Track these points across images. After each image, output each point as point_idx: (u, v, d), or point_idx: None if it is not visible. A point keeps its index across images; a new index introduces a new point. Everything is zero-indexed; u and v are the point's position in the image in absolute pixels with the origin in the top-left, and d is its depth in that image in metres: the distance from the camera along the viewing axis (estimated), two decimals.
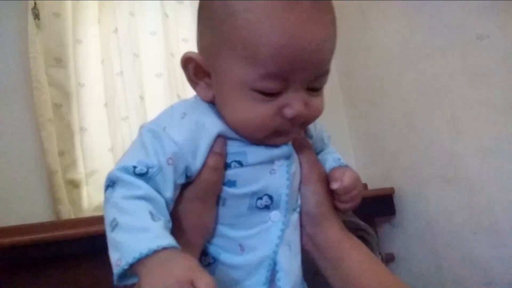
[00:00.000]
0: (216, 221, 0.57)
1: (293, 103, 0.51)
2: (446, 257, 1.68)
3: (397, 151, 1.92)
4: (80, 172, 1.65)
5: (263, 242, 0.57)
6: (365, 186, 2.10)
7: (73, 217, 1.56)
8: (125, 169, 0.50)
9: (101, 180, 1.78)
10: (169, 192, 0.51)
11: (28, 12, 1.62)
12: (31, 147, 1.58)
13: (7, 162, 1.53)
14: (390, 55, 1.91)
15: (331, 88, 2.26)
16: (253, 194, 0.56)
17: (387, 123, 1.96)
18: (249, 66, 0.48)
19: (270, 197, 0.56)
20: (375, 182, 2.05)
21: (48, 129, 1.58)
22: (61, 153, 1.62)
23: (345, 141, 2.23)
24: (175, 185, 0.53)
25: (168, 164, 0.51)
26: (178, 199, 0.54)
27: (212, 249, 0.57)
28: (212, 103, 0.58)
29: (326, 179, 0.63)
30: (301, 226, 0.62)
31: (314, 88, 0.55)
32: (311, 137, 0.67)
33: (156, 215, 0.47)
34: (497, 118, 1.47)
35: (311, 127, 0.67)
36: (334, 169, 0.65)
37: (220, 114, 0.55)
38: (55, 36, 1.69)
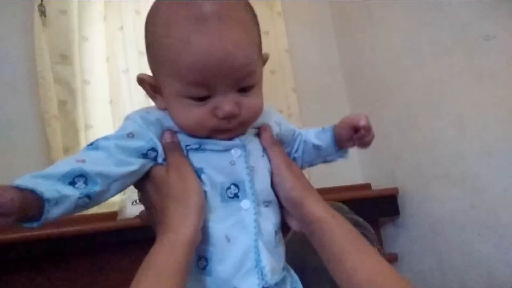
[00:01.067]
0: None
1: (222, 104, 0.59)
2: (450, 257, 1.68)
3: (402, 151, 1.91)
4: None
5: (243, 231, 0.62)
6: (369, 186, 2.10)
7: (77, 213, 1.56)
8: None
9: None
10: (122, 156, 0.60)
11: (34, 9, 1.63)
12: (36, 143, 1.59)
13: (12, 158, 1.54)
14: (395, 55, 1.91)
15: (336, 88, 2.28)
16: (221, 183, 0.62)
17: (392, 123, 1.96)
18: (175, 78, 0.59)
19: (236, 186, 0.63)
20: (379, 182, 2.04)
21: (53, 125, 1.59)
22: (66, 150, 1.62)
23: None
24: (136, 155, 0.61)
25: (128, 137, 0.61)
26: (165, 176, 0.62)
27: (204, 251, 0.61)
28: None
29: (296, 166, 0.72)
30: (288, 213, 0.68)
31: (243, 88, 0.61)
32: (277, 135, 0.73)
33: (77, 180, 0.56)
34: (503, 118, 1.46)
35: (275, 127, 0.73)
36: (335, 125, 0.76)
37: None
38: (61, 33, 1.69)
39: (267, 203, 0.66)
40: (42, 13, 1.64)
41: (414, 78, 1.82)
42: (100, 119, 1.72)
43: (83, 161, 0.57)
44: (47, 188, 0.53)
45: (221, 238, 0.61)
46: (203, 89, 0.59)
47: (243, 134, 0.67)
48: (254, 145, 0.68)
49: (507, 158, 1.46)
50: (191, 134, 0.64)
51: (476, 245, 1.57)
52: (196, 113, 0.60)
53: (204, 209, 0.61)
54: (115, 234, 1.37)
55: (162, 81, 0.62)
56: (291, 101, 2.10)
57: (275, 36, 2.13)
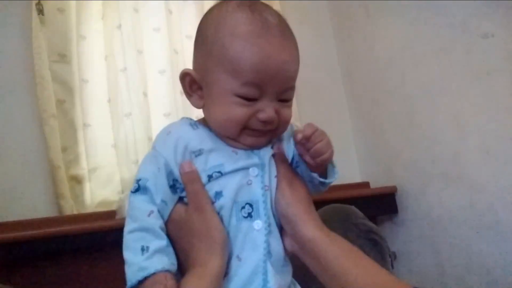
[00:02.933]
0: None
1: (266, 109, 0.65)
2: (448, 255, 1.68)
3: (400, 149, 1.91)
4: (83, 168, 1.65)
5: (253, 252, 0.64)
6: (367, 184, 2.10)
7: (75, 212, 1.56)
8: (131, 195, 0.66)
9: (104, 176, 1.80)
10: (160, 195, 0.64)
11: (32, 8, 1.63)
12: (34, 142, 1.59)
13: (10, 157, 1.54)
14: (393, 54, 1.91)
15: (334, 86, 2.28)
16: (237, 203, 0.66)
17: (390, 122, 1.96)
18: (233, 77, 0.63)
19: (251, 205, 0.66)
20: (377, 180, 2.05)
21: (51, 124, 1.59)
22: (64, 149, 1.62)
23: (347, 139, 2.23)
24: (169, 190, 0.66)
25: (159, 171, 0.65)
26: (185, 216, 0.66)
27: None
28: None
29: (300, 185, 0.72)
30: (282, 229, 0.70)
31: (283, 99, 0.68)
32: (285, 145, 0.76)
33: (145, 246, 0.60)
34: (501, 117, 1.46)
35: (286, 141, 0.75)
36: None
37: (197, 131, 0.70)
38: (59, 32, 1.69)
39: (276, 225, 0.68)
40: (40, 11, 1.64)
41: (412, 77, 1.82)
42: (98, 118, 1.72)
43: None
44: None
45: (233, 258, 0.64)
46: (256, 90, 0.64)
47: (266, 144, 0.71)
48: (272, 164, 0.71)
49: (506, 156, 1.46)
50: (220, 133, 0.69)
51: (475, 243, 1.57)
52: (240, 112, 0.65)
53: (227, 244, 0.64)
54: (114, 233, 1.37)
55: (214, 77, 0.66)
56: None
57: None
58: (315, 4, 2.33)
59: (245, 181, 0.67)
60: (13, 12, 1.65)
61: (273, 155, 0.72)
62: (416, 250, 1.84)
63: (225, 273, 0.63)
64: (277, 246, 0.67)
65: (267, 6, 0.70)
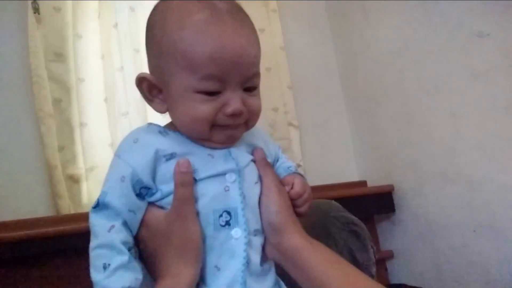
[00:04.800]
0: None
1: (231, 101, 0.60)
2: (445, 254, 1.68)
3: (397, 148, 1.92)
4: (80, 167, 1.65)
5: (231, 261, 0.62)
6: (364, 183, 2.10)
7: (72, 212, 1.56)
8: (92, 210, 0.63)
9: (101, 175, 1.78)
10: (125, 206, 0.60)
11: (28, 7, 1.62)
12: (30, 142, 1.58)
13: (6, 156, 1.53)
14: (390, 53, 1.91)
15: (332, 85, 2.28)
16: (214, 211, 0.62)
17: (387, 121, 1.96)
18: (190, 72, 0.59)
19: (229, 213, 0.62)
20: (374, 179, 2.05)
21: (48, 124, 1.58)
22: (61, 148, 1.62)
23: (345, 138, 2.24)
24: (136, 199, 0.61)
25: (123, 180, 0.61)
26: (164, 223, 0.62)
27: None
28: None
29: (286, 192, 0.70)
30: (265, 237, 0.67)
31: (248, 88, 0.63)
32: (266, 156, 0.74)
33: (106, 264, 0.58)
34: (497, 115, 1.47)
35: (262, 145, 0.73)
36: (284, 177, 0.73)
37: (167, 137, 0.65)
38: (55, 31, 1.68)
39: (256, 232, 0.65)
40: (36, 10, 1.63)
41: (409, 76, 1.82)
42: (95, 117, 1.72)
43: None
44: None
45: (211, 268, 0.62)
46: (216, 83, 0.59)
47: (237, 140, 0.67)
48: (250, 170, 0.67)
49: (502, 155, 1.46)
50: (190, 135, 0.64)
51: (472, 242, 1.57)
52: (205, 109, 0.60)
53: (201, 254, 0.61)
54: None
55: (170, 76, 0.61)
56: (287, 98, 2.10)
57: (270, 33, 2.13)
58: (312, 3, 2.33)
59: (222, 187, 0.63)
60: (9, 11, 1.64)
61: (254, 161, 0.69)
62: (413, 248, 1.85)
63: (202, 283, 0.61)
64: (256, 256, 0.64)
65: None
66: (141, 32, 1.84)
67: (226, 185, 0.63)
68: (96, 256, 0.60)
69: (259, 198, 0.67)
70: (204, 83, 0.59)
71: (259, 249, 0.65)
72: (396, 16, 1.86)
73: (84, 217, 1.53)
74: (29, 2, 1.62)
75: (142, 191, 0.62)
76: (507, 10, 1.42)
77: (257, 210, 0.66)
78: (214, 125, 0.62)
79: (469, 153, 1.57)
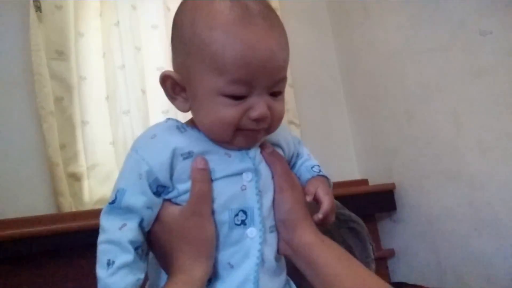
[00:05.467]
0: None
1: (257, 106, 0.59)
2: (447, 252, 1.68)
3: (398, 146, 1.92)
4: (82, 165, 1.65)
5: (245, 259, 0.62)
6: (366, 181, 2.10)
7: (74, 210, 1.56)
8: (108, 206, 0.62)
9: (103, 173, 1.79)
10: (142, 203, 0.60)
11: (30, 5, 1.62)
12: (32, 140, 1.59)
13: (8, 154, 1.54)
14: (392, 51, 1.91)
15: (333, 84, 2.28)
16: (230, 210, 0.61)
17: (389, 119, 1.96)
18: (218, 75, 0.57)
19: (245, 212, 0.62)
20: (376, 177, 2.05)
21: (49, 122, 1.58)
22: (63, 146, 1.62)
23: (346, 137, 2.24)
24: (153, 196, 0.61)
25: (140, 178, 0.60)
26: (179, 218, 0.61)
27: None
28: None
29: (299, 187, 0.69)
30: (278, 233, 0.67)
31: (274, 93, 0.62)
32: (283, 150, 0.72)
33: (111, 261, 0.57)
34: (499, 114, 1.46)
35: (282, 142, 0.72)
36: (308, 181, 0.72)
37: (185, 134, 0.64)
38: (56, 29, 1.69)
39: (272, 228, 0.66)
40: (38, 8, 1.63)
41: (410, 74, 1.82)
42: (96, 115, 1.72)
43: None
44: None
45: (224, 265, 0.62)
46: (244, 87, 0.58)
47: (255, 144, 0.66)
48: (265, 166, 0.67)
49: (504, 153, 1.46)
50: (211, 137, 0.63)
51: (473, 240, 1.57)
52: (230, 112, 0.59)
53: (213, 253, 0.61)
54: None
55: (197, 77, 0.60)
56: (288, 96, 2.10)
57: None
58: (314, 2, 2.33)
59: (238, 187, 0.62)
60: (11, 9, 1.65)
61: (262, 153, 0.67)
62: (414, 246, 1.85)
63: (215, 279, 0.62)
64: (270, 253, 0.64)
65: None
66: (142, 30, 1.84)
67: (243, 184, 0.63)
68: (102, 250, 0.59)
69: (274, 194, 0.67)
70: (231, 87, 0.58)
71: (274, 245, 0.66)
72: (398, 15, 1.86)
73: (86, 215, 1.54)
74: (31, 1, 1.62)
75: (159, 189, 0.62)
76: (510, 8, 1.42)
77: (272, 206, 0.66)
78: (237, 129, 0.60)
79: (471, 151, 1.57)
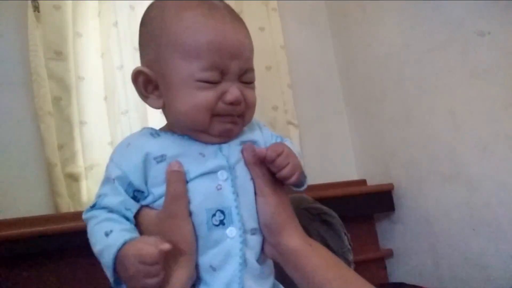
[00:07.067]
0: None
1: (231, 89, 0.62)
2: (445, 253, 1.68)
3: (397, 147, 1.92)
4: (80, 166, 1.65)
5: (228, 261, 0.61)
6: (364, 182, 2.10)
7: (72, 210, 1.56)
8: (89, 208, 0.64)
9: (101, 173, 1.78)
10: (117, 199, 0.62)
11: (28, 5, 1.62)
12: (30, 140, 1.58)
13: (6, 155, 1.53)
14: (390, 51, 1.91)
15: (331, 84, 2.28)
16: (207, 210, 0.61)
17: (387, 119, 1.96)
18: (191, 61, 0.60)
19: (222, 212, 0.62)
20: (374, 178, 2.05)
21: (47, 122, 1.58)
22: (61, 147, 1.62)
23: (344, 137, 2.24)
24: (131, 200, 0.63)
25: (114, 183, 0.62)
26: (156, 221, 0.62)
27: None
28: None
29: (283, 190, 0.68)
30: (262, 236, 0.66)
31: (245, 81, 0.65)
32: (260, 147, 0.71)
33: (108, 232, 0.59)
34: (497, 114, 1.46)
35: (259, 140, 0.71)
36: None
37: (158, 139, 0.65)
38: (55, 29, 1.68)
39: (254, 231, 0.65)
40: (36, 8, 1.63)
41: (409, 74, 1.82)
42: (94, 115, 1.72)
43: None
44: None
45: (206, 268, 0.61)
46: (217, 73, 0.61)
47: (235, 136, 0.67)
48: (243, 166, 0.66)
49: (502, 153, 1.46)
50: (188, 126, 0.64)
51: (471, 241, 1.58)
52: (205, 96, 0.60)
53: (194, 255, 0.61)
54: None
55: (170, 67, 0.62)
56: (287, 97, 2.10)
57: (270, 32, 2.13)
58: (312, 2, 2.33)
59: (213, 186, 0.62)
60: (9, 10, 1.64)
61: (242, 153, 0.67)
62: (413, 247, 1.85)
63: (200, 283, 0.61)
64: (252, 256, 0.63)
65: None
66: None
67: (219, 183, 0.62)
68: (97, 229, 0.60)
69: (255, 197, 0.66)
70: (205, 72, 0.60)
71: (257, 248, 0.65)
72: (396, 15, 1.86)
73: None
74: (29, 1, 1.62)
75: (136, 194, 0.63)
76: (508, 9, 1.42)
77: (254, 207, 0.65)
78: (214, 115, 0.62)
79: (469, 152, 1.57)
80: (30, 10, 1.62)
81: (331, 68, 2.31)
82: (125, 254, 0.55)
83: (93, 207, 0.63)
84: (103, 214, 0.61)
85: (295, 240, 0.64)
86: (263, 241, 0.66)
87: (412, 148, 1.83)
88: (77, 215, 1.46)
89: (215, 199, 0.62)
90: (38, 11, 1.64)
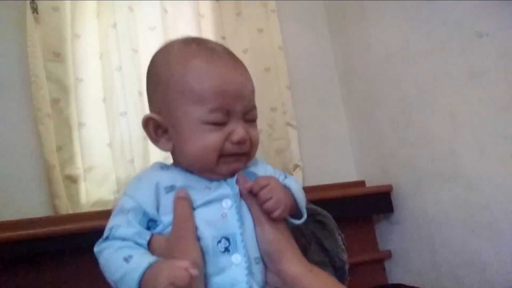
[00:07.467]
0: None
1: (237, 129, 0.66)
2: (444, 254, 1.68)
3: (395, 148, 1.92)
4: (78, 167, 1.65)
5: (233, 287, 0.63)
6: (363, 183, 2.10)
7: (70, 212, 1.56)
8: (101, 241, 0.66)
9: (99, 175, 1.79)
10: (132, 230, 0.64)
11: (27, 6, 1.62)
12: (29, 142, 1.58)
13: (4, 156, 1.53)
14: (389, 53, 1.91)
15: (330, 85, 2.28)
16: (213, 237, 0.64)
17: (386, 120, 1.96)
18: (198, 105, 0.65)
19: (227, 239, 0.64)
20: (373, 179, 2.05)
21: (46, 124, 1.58)
22: (59, 148, 1.61)
23: (343, 138, 2.24)
24: (141, 228, 0.65)
25: (128, 214, 0.65)
26: (165, 245, 0.64)
27: None
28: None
29: (279, 220, 0.70)
30: (265, 265, 0.68)
31: (249, 120, 0.70)
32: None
33: (127, 258, 0.60)
34: (496, 115, 1.47)
35: (262, 173, 0.74)
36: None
37: (168, 171, 0.70)
38: (53, 31, 1.68)
39: (257, 260, 0.66)
40: (34, 10, 1.63)
41: (407, 76, 1.82)
42: (93, 117, 1.71)
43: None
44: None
45: None
46: (223, 115, 0.65)
47: (237, 172, 0.69)
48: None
49: (501, 155, 1.46)
50: (197, 166, 0.68)
51: (470, 242, 1.58)
52: (213, 137, 0.65)
53: (202, 280, 0.62)
54: None
55: (179, 112, 0.66)
56: (285, 98, 2.10)
57: (269, 33, 2.13)
58: (311, 3, 2.33)
59: (219, 214, 0.65)
60: (7, 11, 1.64)
61: (238, 186, 0.69)
62: (411, 248, 1.85)
63: None
64: (258, 283, 0.65)
65: (207, 39, 0.73)
66: (139, 32, 1.84)
67: (224, 211, 0.65)
68: (114, 256, 0.61)
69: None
70: (212, 114, 0.64)
71: (260, 277, 0.66)
72: (395, 16, 1.86)
73: (82, 217, 1.53)
74: (28, 2, 1.62)
75: (150, 224, 0.66)
76: (506, 9, 1.42)
77: (254, 236, 0.67)
78: (221, 155, 0.66)
79: (468, 153, 1.57)
80: (28, 11, 1.61)
81: (330, 69, 2.31)
82: (155, 276, 0.56)
83: (106, 239, 0.65)
84: (117, 243, 0.63)
85: (295, 266, 0.66)
86: (266, 271, 0.68)
87: (411, 149, 1.83)
88: (76, 217, 1.47)
89: (220, 226, 0.64)
90: (37, 13, 1.64)
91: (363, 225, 2.02)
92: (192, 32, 1.95)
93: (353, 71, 2.19)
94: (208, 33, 1.99)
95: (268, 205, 0.66)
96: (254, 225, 0.67)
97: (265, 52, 2.08)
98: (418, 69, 1.76)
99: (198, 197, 0.66)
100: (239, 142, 0.66)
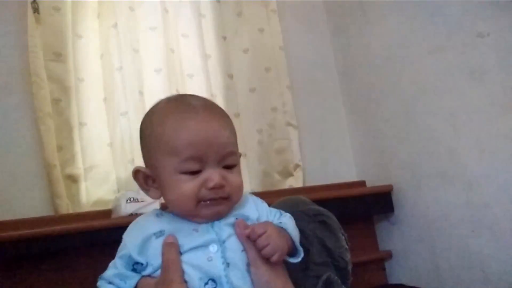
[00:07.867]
0: None
1: (211, 176, 0.69)
2: (444, 254, 1.68)
3: (396, 148, 1.92)
4: (79, 167, 1.65)
5: None
6: (363, 183, 2.10)
7: (71, 211, 1.56)
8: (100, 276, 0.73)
9: (100, 175, 1.79)
10: (113, 271, 0.71)
11: (28, 7, 1.62)
12: (30, 141, 1.58)
13: (5, 156, 1.53)
14: (389, 52, 1.91)
15: (330, 85, 2.28)
16: (200, 279, 0.67)
17: (386, 120, 1.96)
18: (172, 156, 0.69)
19: (214, 281, 0.68)
20: (373, 179, 2.05)
21: (47, 123, 1.58)
22: (60, 148, 1.62)
23: (344, 138, 2.24)
24: (130, 272, 0.71)
25: (118, 256, 0.71)
26: (154, 286, 0.69)
27: None
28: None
29: (275, 261, 0.72)
30: None
31: (227, 166, 0.72)
32: (257, 219, 0.78)
33: None
34: (496, 115, 1.47)
35: (252, 216, 0.77)
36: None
37: (161, 218, 0.75)
38: (54, 31, 1.68)
39: None
40: (36, 10, 1.63)
41: (408, 76, 1.82)
42: (94, 116, 1.72)
43: None
44: None
45: None
46: (196, 163, 0.69)
47: (225, 214, 0.73)
48: (235, 240, 0.72)
49: (501, 154, 1.46)
50: (180, 212, 0.72)
51: (471, 242, 1.58)
52: (190, 186, 0.69)
53: None
54: (110, 232, 1.36)
55: (158, 163, 0.71)
56: (286, 98, 2.10)
57: (270, 33, 2.13)
58: (311, 3, 2.33)
59: (205, 258, 0.69)
60: (9, 11, 1.64)
61: (235, 228, 0.73)
62: (412, 248, 1.85)
63: None
64: None
65: (193, 95, 0.78)
66: (140, 32, 1.84)
67: (209, 255, 0.69)
68: None
69: (249, 267, 0.71)
70: (185, 164, 0.69)
71: None
72: (395, 16, 1.86)
73: (83, 216, 1.53)
74: (29, 2, 1.62)
75: (135, 266, 0.71)
76: (507, 10, 1.43)
77: (247, 277, 0.70)
78: (199, 201, 0.69)
79: (468, 153, 1.57)
80: (29, 11, 1.62)
81: (330, 69, 2.31)
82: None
83: (102, 277, 0.72)
84: (104, 285, 0.70)
85: None
86: None
87: (411, 149, 1.83)
88: (76, 217, 1.48)
89: (207, 269, 0.68)
90: (38, 13, 1.64)
91: (364, 225, 2.02)
92: (193, 32, 1.95)
93: (354, 71, 2.19)
94: (209, 33, 2.00)
95: (266, 251, 0.70)
96: (250, 266, 0.71)
97: (265, 52, 2.08)
98: (418, 69, 1.76)
99: (185, 241, 0.69)
100: (214, 188, 0.69)
